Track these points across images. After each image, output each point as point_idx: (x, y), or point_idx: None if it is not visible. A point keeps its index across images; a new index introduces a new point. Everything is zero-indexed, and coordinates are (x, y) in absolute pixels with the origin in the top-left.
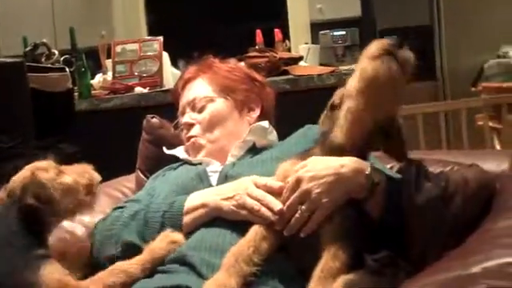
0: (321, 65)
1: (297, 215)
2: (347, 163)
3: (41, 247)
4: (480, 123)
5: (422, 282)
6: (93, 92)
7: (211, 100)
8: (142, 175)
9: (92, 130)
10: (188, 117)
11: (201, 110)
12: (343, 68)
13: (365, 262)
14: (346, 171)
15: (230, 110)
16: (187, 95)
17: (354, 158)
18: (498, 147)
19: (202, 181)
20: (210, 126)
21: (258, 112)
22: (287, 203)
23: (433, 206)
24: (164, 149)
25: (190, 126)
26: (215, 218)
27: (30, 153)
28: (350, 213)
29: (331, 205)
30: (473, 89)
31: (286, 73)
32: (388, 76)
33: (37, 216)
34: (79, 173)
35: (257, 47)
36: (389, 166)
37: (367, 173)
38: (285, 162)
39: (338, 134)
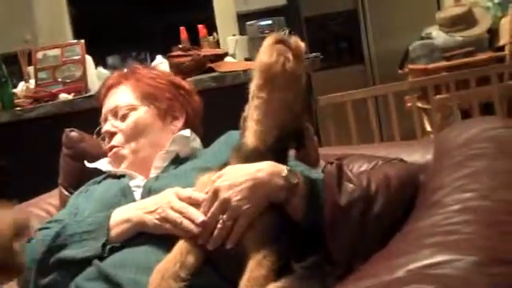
0: (246, 59)
1: (219, 225)
2: (263, 167)
3: None
4: (409, 105)
5: None
6: (16, 101)
7: (134, 108)
8: (65, 191)
9: (17, 142)
10: (110, 125)
11: (123, 118)
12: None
13: (292, 268)
14: (263, 175)
15: (152, 118)
16: (109, 102)
17: (270, 162)
18: (428, 127)
19: (126, 196)
20: (132, 135)
21: (182, 121)
22: (208, 215)
23: (355, 208)
24: (86, 163)
25: (112, 134)
26: (140, 234)
27: None
28: (273, 218)
29: (253, 210)
30: (400, 71)
31: (211, 70)
32: (282, 63)
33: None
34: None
35: (180, 46)
36: None
37: (284, 175)
38: (204, 174)
39: (250, 138)
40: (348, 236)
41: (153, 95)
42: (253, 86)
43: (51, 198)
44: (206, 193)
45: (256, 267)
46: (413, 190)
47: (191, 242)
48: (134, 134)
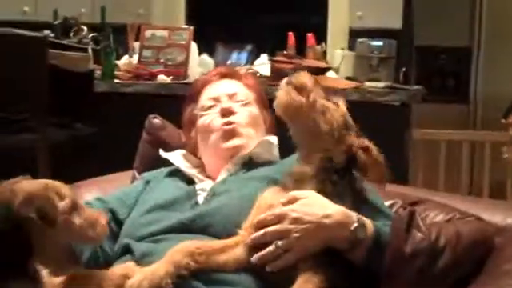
0: (347, 78)
1: (270, 248)
2: (333, 214)
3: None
4: (505, 156)
5: None
6: (116, 73)
7: (251, 103)
8: (137, 175)
9: (109, 113)
10: (229, 103)
11: (242, 105)
12: (369, 85)
13: None
14: (330, 223)
15: (261, 121)
16: (227, 87)
17: (344, 211)
18: None
19: (190, 199)
20: (250, 122)
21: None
22: (266, 230)
23: (419, 259)
24: (160, 151)
25: (231, 113)
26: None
27: (41, 128)
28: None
29: (306, 250)
30: (503, 121)
31: None
32: (286, 101)
33: (26, 237)
34: (90, 222)
35: (285, 52)
36: (390, 203)
37: (352, 228)
38: (269, 186)
39: (297, 163)
40: (404, 285)
41: (264, 104)
42: None
43: (126, 178)
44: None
45: (303, 283)
46: (484, 253)
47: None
48: (251, 123)
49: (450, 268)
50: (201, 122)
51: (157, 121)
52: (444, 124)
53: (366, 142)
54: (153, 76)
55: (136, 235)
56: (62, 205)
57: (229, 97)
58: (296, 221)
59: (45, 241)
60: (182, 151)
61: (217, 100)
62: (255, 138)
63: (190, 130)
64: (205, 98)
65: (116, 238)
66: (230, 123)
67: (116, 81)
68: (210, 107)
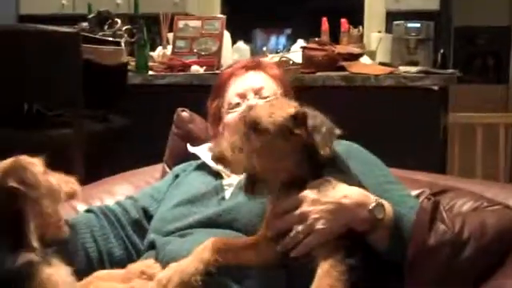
0: (381, 63)
1: (291, 234)
2: (351, 194)
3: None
4: None
5: None
6: (151, 64)
7: (277, 97)
8: (167, 169)
9: (143, 106)
10: (256, 100)
11: (266, 101)
12: (402, 69)
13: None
14: (348, 202)
15: None
16: (253, 81)
17: (362, 191)
18: None
19: (218, 194)
20: None
21: None
22: (285, 216)
23: (442, 251)
24: (188, 146)
25: None
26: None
27: (77, 122)
28: (349, 244)
29: (326, 233)
30: None
31: (342, 69)
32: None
33: (18, 205)
34: (64, 180)
35: (316, 39)
36: (418, 192)
37: (370, 208)
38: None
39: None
40: (427, 278)
41: (287, 93)
42: None
43: (156, 172)
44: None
45: (323, 276)
46: (510, 244)
47: (261, 242)
48: None
49: (475, 260)
50: (228, 119)
51: (185, 114)
52: (485, 106)
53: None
54: (186, 67)
55: (163, 230)
56: (37, 168)
57: (255, 92)
58: (314, 203)
59: (34, 207)
60: (210, 144)
61: (243, 96)
62: None
63: (217, 124)
64: (231, 94)
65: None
66: None
67: (150, 73)
68: (237, 104)
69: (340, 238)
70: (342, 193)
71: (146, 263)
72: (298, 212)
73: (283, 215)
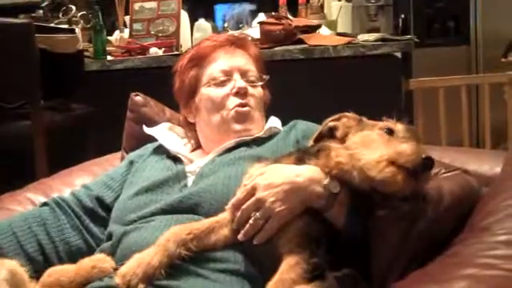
0: (338, 34)
1: (250, 221)
2: (303, 172)
3: None
4: (506, 97)
5: None
6: (109, 49)
7: (261, 83)
8: (126, 155)
9: (103, 92)
10: (244, 83)
11: (252, 85)
12: (361, 38)
13: (325, 276)
14: (301, 180)
15: (265, 101)
16: (240, 60)
17: (312, 168)
18: None
19: (179, 181)
20: (259, 105)
21: None
22: (242, 207)
23: (399, 223)
24: (144, 127)
25: (245, 94)
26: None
27: (36, 113)
28: (309, 223)
29: (286, 213)
30: (503, 60)
31: (301, 41)
32: None
33: None
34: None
35: (273, 13)
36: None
37: (325, 183)
38: (252, 168)
39: (320, 161)
40: (388, 250)
41: (263, 78)
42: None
43: (116, 160)
44: (245, 185)
45: (287, 270)
46: (467, 209)
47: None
48: (260, 106)
49: (430, 229)
50: (211, 94)
51: (139, 98)
52: (447, 68)
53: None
54: (145, 49)
55: (125, 220)
56: None
57: (241, 74)
58: (268, 187)
59: None
60: (167, 124)
61: (229, 74)
62: (261, 122)
63: (192, 96)
64: (215, 69)
65: (105, 224)
66: (244, 105)
67: (108, 58)
68: (223, 82)
69: (302, 233)
70: (293, 172)
71: (97, 257)
72: (253, 199)
73: (240, 205)
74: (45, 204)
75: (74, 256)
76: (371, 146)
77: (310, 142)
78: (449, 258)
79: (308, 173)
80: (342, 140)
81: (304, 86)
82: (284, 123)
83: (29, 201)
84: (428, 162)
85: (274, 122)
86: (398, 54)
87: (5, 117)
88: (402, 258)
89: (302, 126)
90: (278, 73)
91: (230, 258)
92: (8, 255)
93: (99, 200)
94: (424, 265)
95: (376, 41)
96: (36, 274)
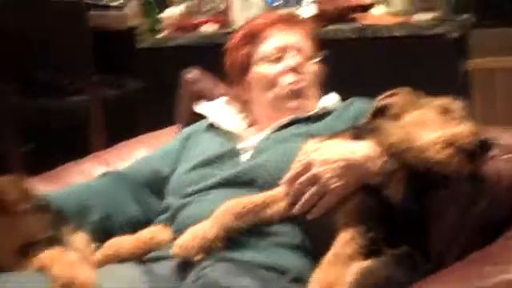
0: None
1: (305, 196)
2: (359, 149)
3: None
4: None
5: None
6: (161, 26)
7: (316, 61)
8: (181, 130)
9: (154, 68)
10: (296, 60)
11: (305, 61)
12: (416, 17)
13: (382, 252)
14: (357, 157)
15: (320, 78)
16: (294, 38)
17: (369, 144)
18: None
19: (235, 156)
20: (313, 83)
21: None
22: (297, 182)
23: (457, 202)
24: (195, 106)
25: (299, 71)
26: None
27: (92, 88)
28: (365, 200)
29: (341, 190)
30: None
31: (354, 20)
32: None
33: None
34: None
35: None
36: None
37: (381, 160)
38: (307, 144)
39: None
40: (446, 229)
41: (319, 55)
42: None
43: (172, 133)
44: (300, 161)
45: (343, 245)
46: None
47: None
48: (315, 82)
49: (491, 209)
50: (264, 71)
51: (192, 74)
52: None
53: None
54: (196, 27)
55: (182, 193)
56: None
57: (296, 51)
58: (325, 162)
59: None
60: (224, 98)
61: (283, 51)
62: (316, 99)
63: (244, 73)
64: (269, 47)
65: (162, 197)
66: (298, 82)
67: (160, 35)
68: (277, 59)
69: (358, 209)
70: (350, 149)
71: (156, 229)
72: (309, 174)
73: (296, 180)
74: (104, 175)
75: (132, 227)
76: (428, 126)
77: (366, 119)
78: (510, 240)
79: (364, 150)
80: (398, 117)
81: (357, 66)
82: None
83: (87, 172)
84: (485, 144)
85: (330, 98)
86: (455, 35)
87: (61, 92)
88: (460, 238)
89: (359, 103)
90: (331, 52)
91: (286, 232)
92: (71, 222)
93: (156, 173)
94: (483, 246)
95: (431, 20)
96: (96, 245)
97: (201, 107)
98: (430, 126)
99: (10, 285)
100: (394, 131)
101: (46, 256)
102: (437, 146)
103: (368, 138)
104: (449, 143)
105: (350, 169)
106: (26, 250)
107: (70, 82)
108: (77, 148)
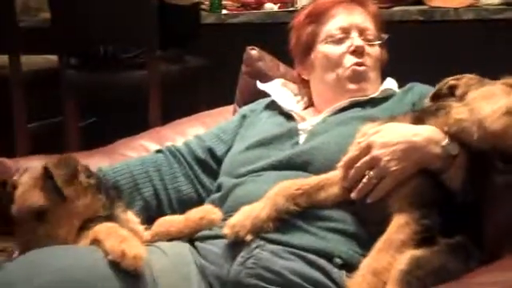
0: None
1: (364, 180)
2: (421, 132)
3: None
4: None
5: (488, 280)
6: (225, 2)
7: (379, 42)
8: (238, 109)
9: (217, 45)
10: (362, 42)
11: (370, 43)
12: (485, 1)
13: (436, 241)
14: (419, 140)
15: (382, 61)
16: (359, 18)
17: (432, 128)
18: None
19: (292, 138)
20: (375, 65)
21: None
22: (356, 165)
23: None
24: (258, 83)
25: (363, 53)
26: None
27: (152, 63)
28: (423, 184)
29: (401, 173)
30: None
31: (421, 2)
32: None
33: None
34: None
35: None
36: None
37: (443, 144)
38: (365, 127)
39: (439, 120)
40: (504, 218)
41: (382, 37)
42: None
43: (228, 113)
44: (359, 143)
45: (396, 230)
46: None
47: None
48: (377, 66)
49: None
50: (327, 51)
51: (254, 52)
52: None
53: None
54: (261, 4)
55: (235, 173)
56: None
57: (360, 32)
58: (384, 145)
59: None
60: (281, 80)
61: (347, 32)
62: (377, 82)
63: (308, 52)
64: (333, 26)
65: (216, 175)
66: (361, 64)
67: (224, 12)
68: (341, 39)
69: (415, 193)
70: (411, 131)
71: (206, 208)
72: (368, 157)
73: (354, 163)
74: (159, 151)
75: (184, 205)
76: (492, 99)
77: (427, 101)
78: None
79: (426, 132)
80: (462, 98)
81: (422, 49)
82: (400, 86)
83: (143, 147)
84: None
85: (390, 83)
86: None
87: (121, 66)
88: None
89: (419, 88)
90: (396, 34)
91: (338, 218)
92: (125, 195)
93: (211, 151)
94: None
95: (501, 4)
96: (147, 223)
97: (263, 85)
98: (494, 98)
99: (68, 258)
100: (458, 110)
101: (100, 230)
102: (496, 113)
103: (430, 121)
104: (508, 112)
105: (410, 152)
106: (83, 225)
107: (134, 56)
108: (136, 123)
